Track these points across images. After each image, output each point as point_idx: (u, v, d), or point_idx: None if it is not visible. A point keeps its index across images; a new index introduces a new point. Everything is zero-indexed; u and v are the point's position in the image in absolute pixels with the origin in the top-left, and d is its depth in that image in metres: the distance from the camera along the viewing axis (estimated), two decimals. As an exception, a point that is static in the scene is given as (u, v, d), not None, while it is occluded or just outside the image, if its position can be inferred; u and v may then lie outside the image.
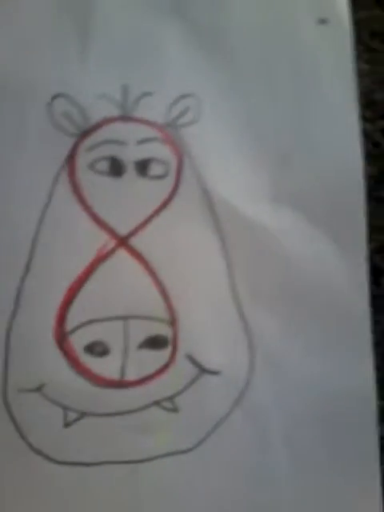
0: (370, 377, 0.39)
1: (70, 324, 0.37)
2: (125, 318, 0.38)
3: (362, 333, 0.39)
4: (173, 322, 0.38)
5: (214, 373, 0.39)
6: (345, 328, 0.39)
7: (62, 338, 0.37)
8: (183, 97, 0.39)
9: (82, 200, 0.38)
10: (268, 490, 0.39)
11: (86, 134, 0.38)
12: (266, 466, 0.39)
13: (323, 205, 0.40)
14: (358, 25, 0.40)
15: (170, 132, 0.39)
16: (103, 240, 0.38)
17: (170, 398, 0.38)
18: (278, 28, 0.40)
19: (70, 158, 0.38)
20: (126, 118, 0.38)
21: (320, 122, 0.40)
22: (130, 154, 0.38)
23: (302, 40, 0.40)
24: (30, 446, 0.37)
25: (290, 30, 0.40)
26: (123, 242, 0.38)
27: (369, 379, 0.39)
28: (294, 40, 0.40)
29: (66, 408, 0.37)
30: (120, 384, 0.38)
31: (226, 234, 0.39)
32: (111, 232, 0.38)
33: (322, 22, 0.40)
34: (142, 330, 0.38)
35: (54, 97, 0.38)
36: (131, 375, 0.38)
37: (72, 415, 0.37)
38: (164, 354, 0.38)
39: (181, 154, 0.39)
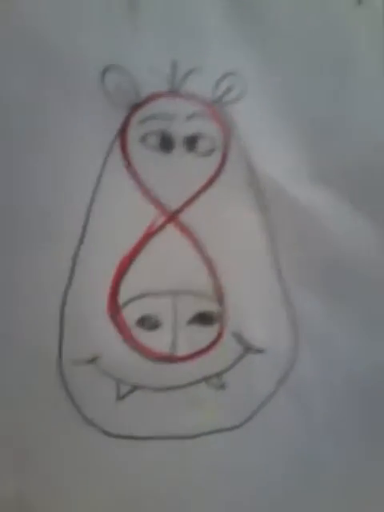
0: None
1: (122, 298, 0.37)
2: (174, 293, 0.38)
3: None
4: (220, 298, 0.38)
5: (259, 351, 0.39)
6: None
7: (115, 311, 0.37)
8: (229, 73, 0.38)
9: (133, 174, 0.38)
10: (312, 468, 0.39)
11: (136, 107, 0.38)
12: (310, 444, 0.39)
13: (362, 182, 0.40)
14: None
15: (216, 108, 0.38)
16: (154, 215, 0.38)
17: (218, 375, 0.38)
18: (318, 6, 0.40)
19: (122, 131, 0.38)
20: (175, 93, 0.38)
21: (358, 99, 0.40)
22: (180, 129, 0.38)
23: (340, 18, 0.40)
24: (84, 418, 0.37)
25: (329, 8, 0.41)
26: (173, 217, 0.38)
27: None
28: (332, 18, 0.40)
29: (118, 381, 0.37)
30: (171, 358, 0.38)
31: (270, 211, 0.39)
32: (161, 207, 0.38)
33: (359, 2, 0.41)
34: (190, 306, 0.38)
35: (107, 68, 0.37)
36: (182, 350, 0.38)
37: (125, 388, 0.37)
38: (212, 331, 0.38)
39: (227, 130, 0.38)
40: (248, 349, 0.38)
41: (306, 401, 0.39)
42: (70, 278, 0.37)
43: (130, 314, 0.37)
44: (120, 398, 0.37)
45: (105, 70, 0.37)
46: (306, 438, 0.39)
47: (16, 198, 0.36)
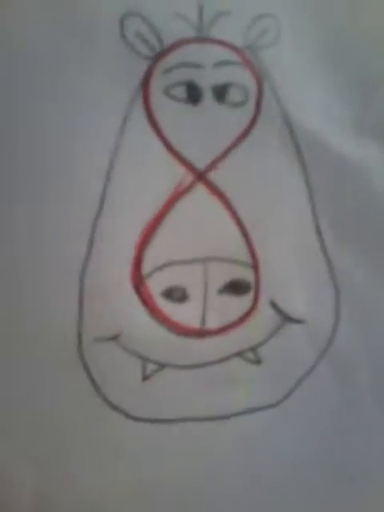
0: None
1: (146, 267, 0.35)
2: (204, 260, 0.36)
3: None
4: (255, 265, 0.36)
5: (299, 321, 0.37)
6: None
7: (138, 283, 0.35)
8: (261, 16, 0.36)
9: (157, 130, 0.35)
10: (356, 445, 0.37)
11: (160, 56, 0.35)
12: (355, 420, 0.37)
13: None
14: None
15: (248, 54, 0.36)
16: (180, 174, 0.35)
17: (253, 349, 0.36)
18: None
19: (145, 83, 0.35)
20: (202, 39, 0.35)
21: None
22: (208, 79, 0.35)
23: None
24: (107, 400, 0.35)
25: None
26: (201, 176, 0.35)
27: None
28: None
29: (144, 359, 0.35)
30: (201, 333, 0.36)
31: (309, 166, 0.36)
32: (188, 166, 0.35)
33: None
34: (222, 274, 0.36)
35: (126, 15, 0.35)
36: (212, 323, 0.36)
37: (151, 367, 0.35)
38: (246, 301, 0.36)
39: (261, 78, 0.36)
40: (286, 319, 0.36)
41: (349, 373, 0.37)
42: (90, 246, 0.34)
43: (156, 285, 0.35)
44: (146, 377, 0.35)
45: (123, 18, 0.35)
46: (350, 412, 0.37)
47: (33, 155, 0.34)
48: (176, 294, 0.35)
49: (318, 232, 0.37)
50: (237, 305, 0.36)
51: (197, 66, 0.35)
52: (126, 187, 0.35)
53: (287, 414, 0.37)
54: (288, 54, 0.37)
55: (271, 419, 0.36)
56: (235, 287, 0.36)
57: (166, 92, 0.35)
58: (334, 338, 0.37)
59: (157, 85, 0.35)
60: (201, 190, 0.36)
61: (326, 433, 0.37)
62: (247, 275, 0.36)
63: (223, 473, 0.36)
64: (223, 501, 0.36)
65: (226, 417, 0.36)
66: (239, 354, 0.36)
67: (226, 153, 0.36)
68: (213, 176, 0.36)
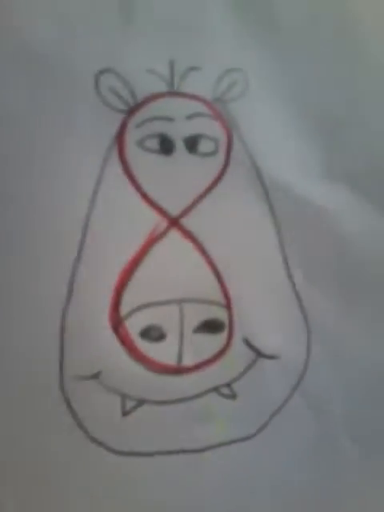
0: None
1: (124, 308, 0.36)
2: (180, 301, 0.37)
3: None
4: (228, 304, 0.37)
5: (272, 357, 0.38)
6: None
7: (117, 323, 0.36)
8: (230, 71, 0.37)
9: (132, 180, 0.36)
10: (332, 476, 0.38)
11: (133, 110, 0.36)
12: (329, 451, 0.38)
13: (375, 180, 0.39)
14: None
15: (218, 107, 0.37)
16: (155, 221, 0.36)
17: (228, 384, 0.37)
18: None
19: (119, 135, 0.36)
20: (173, 93, 0.36)
21: (369, 95, 0.39)
22: (180, 130, 0.37)
23: (346, 9, 0.39)
24: (89, 435, 0.36)
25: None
26: (175, 222, 0.37)
27: None
28: (338, 9, 0.39)
29: (123, 395, 0.36)
30: (177, 370, 0.37)
31: (278, 212, 0.38)
32: (163, 212, 0.37)
33: None
34: (197, 314, 0.37)
35: (101, 72, 0.36)
36: (188, 360, 0.37)
37: (130, 403, 0.36)
38: (220, 339, 0.37)
39: (230, 129, 0.37)
40: (259, 355, 0.37)
41: (322, 406, 0.38)
42: (70, 290, 0.35)
43: (134, 326, 0.36)
44: (126, 413, 0.36)
45: (98, 74, 0.36)
46: (324, 443, 0.38)
47: (13, 208, 0.35)
48: (153, 334, 0.36)
49: (288, 272, 0.38)
50: (212, 343, 0.37)
51: (169, 118, 0.37)
52: (103, 234, 0.36)
53: (263, 446, 0.37)
54: (255, 104, 0.38)
55: (248, 451, 0.37)
56: (210, 326, 0.37)
57: (140, 144, 0.37)
58: (305, 372, 0.38)
59: (131, 137, 0.36)
60: (175, 234, 0.37)
61: (303, 462, 0.38)
62: (221, 315, 0.37)
63: (204, 505, 0.37)
64: None
65: (202, 450, 0.37)
66: (215, 389, 0.37)
67: (198, 200, 0.37)
68: (186, 221, 0.37)
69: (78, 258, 0.36)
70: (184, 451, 0.37)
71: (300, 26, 0.39)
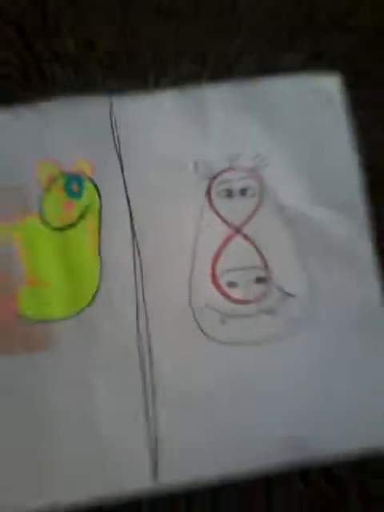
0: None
1: (218, 272, 0.55)
2: (242, 268, 0.55)
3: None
4: (267, 269, 0.55)
5: (292, 295, 0.55)
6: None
7: (214, 278, 0.54)
8: (257, 155, 0.56)
9: (215, 211, 0.55)
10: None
11: (213, 178, 0.56)
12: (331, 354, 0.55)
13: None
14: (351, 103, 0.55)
15: (254, 173, 0.56)
16: (228, 231, 0.55)
17: (270, 308, 0.54)
18: (302, 106, 0.57)
19: (208, 192, 0.56)
20: (231, 168, 0.56)
21: (329, 166, 0.58)
22: (236, 186, 0.55)
23: (317, 112, 0.57)
24: (204, 332, 0.53)
25: (312, 108, 0.57)
26: (238, 230, 0.55)
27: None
28: (312, 113, 0.57)
29: (220, 313, 0.54)
30: (244, 301, 0.55)
31: (293, 224, 0.56)
32: (231, 225, 0.55)
33: (328, 101, 0.56)
34: (252, 274, 0.55)
35: (196, 162, 0.55)
36: (250, 297, 0.55)
37: (223, 317, 0.54)
38: (264, 286, 0.55)
39: (261, 183, 0.56)
40: (286, 294, 0.54)
41: (322, 327, 0.55)
42: (192, 265, 0.55)
43: (223, 280, 0.55)
44: (222, 321, 0.54)
45: (196, 163, 0.55)
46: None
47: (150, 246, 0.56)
48: (232, 284, 0.54)
49: (304, 259, 0.57)
50: (260, 288, 0.55)
51: (230, 181, 0.55)
52: (205, 240, 0.55)
53: (294, 346, 0.56)
54: (274, 171, 0.56)
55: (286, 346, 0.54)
56: (259, 280, 0.55)
57: (218, 194, 0.55)
58: (312, 305, 0.57)
59: (214, 191, 0.55)
60: (238, 237, 0.56)
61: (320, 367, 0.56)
62: (264, 274, 0.55)
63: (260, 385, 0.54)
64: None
65: (259, 343, 0.54)
66: (263, 310, 0.54)
67: (246, 221, 0.55)
68: (244, 230, 0.55)
69: (194, 255, 0.54)
70: (248, 343, 0.53)
71: (292, 126, 0.58)
